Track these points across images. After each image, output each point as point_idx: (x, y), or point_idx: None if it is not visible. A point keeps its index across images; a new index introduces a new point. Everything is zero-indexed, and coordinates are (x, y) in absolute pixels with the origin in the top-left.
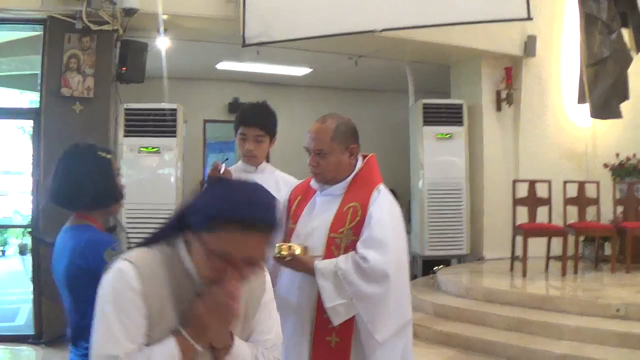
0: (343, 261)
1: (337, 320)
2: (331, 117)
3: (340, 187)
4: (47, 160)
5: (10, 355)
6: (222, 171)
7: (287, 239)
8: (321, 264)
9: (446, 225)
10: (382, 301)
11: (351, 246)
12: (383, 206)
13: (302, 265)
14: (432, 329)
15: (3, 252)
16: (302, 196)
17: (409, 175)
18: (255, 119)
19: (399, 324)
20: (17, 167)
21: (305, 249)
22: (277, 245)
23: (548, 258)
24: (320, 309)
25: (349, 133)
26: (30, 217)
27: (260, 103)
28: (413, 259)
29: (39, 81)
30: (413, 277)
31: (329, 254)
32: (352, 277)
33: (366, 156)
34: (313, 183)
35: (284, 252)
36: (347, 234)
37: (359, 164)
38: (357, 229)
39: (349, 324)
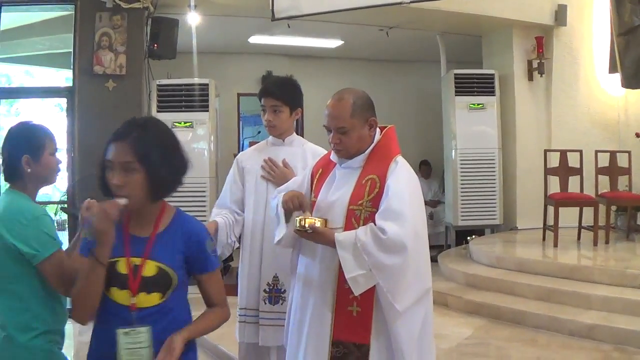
0: (362, 233)
1: (357, 290)
2: (347, 92)
3: (359, 160)
4: (82, 137)
5: None
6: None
7: (310, 212)
8: (341, 236)
9: (479, 195)
10: (400, 271)
11: (370, 218)
12: (400, 177)
13: (322, 237)
14: (463, 298)
15: None
16: (323, 169)
17: (442, 146)
18: (271, 90)
19: (418, 293)
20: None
21: (325, 222)
22: (297, 218)
23: (580, 228)
24: (341, 280)
25: (367, 106)
26: (66, 192)
27: (282, 76)
28: (446, 229)
29: (72, 60)
30: (447, 247)
31: (348, 226)
32: (370, 249)
33: (384, 128)
34: (333, 156)
35: (306, 225)
36: (366, 206)
37: (377, 136)
38: (376, 201)
39: (370, 294)
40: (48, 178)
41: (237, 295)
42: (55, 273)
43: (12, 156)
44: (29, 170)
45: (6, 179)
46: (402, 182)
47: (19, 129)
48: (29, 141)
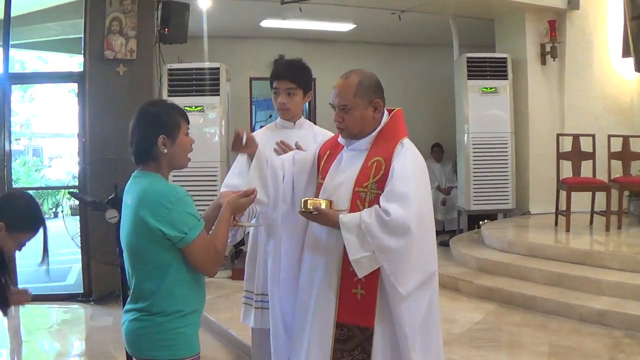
0: (367, 215)
1: (361, 273)
2: (355, 72)
3: (365, 142)
4: (93, 122)
5: (62, 312)
6: (244, 140)
7: (316, 194)
8: (346, 218)
9: (491, 179)
10: (404, 254)
11: (376, 200)
12: (406, 160)
13: (327, 219)
14: (475, 283)
15: (55, 213)
16: (330, 151)
17: (455, 130)
18: (285, 72)
19: (422, 277)
20: (69, 129)
21: (330, 203)
22: (302, 200)
23: (592, 213)
24: (346, 262)
25: (373, 88)
26: (77, 177)
27: (293, 59)
28: (458, 213)
29: (82, 45)
30: (459, 231)
31: (354, 208)
32: (374, 230)
33: (392, 111)
34: (340, 139)
35: (310, 207)
36: (371, 188)
37: (385, 119)
38: (381, 183)
39: (375, 277)
40: (183, 159)
41: (243, 279)
42: (201, 252)
43: (147, 136)
44: (165, 151)
45: (137, 161)
46: (408, 164)
47: (152, 107)
48: (165, 121)
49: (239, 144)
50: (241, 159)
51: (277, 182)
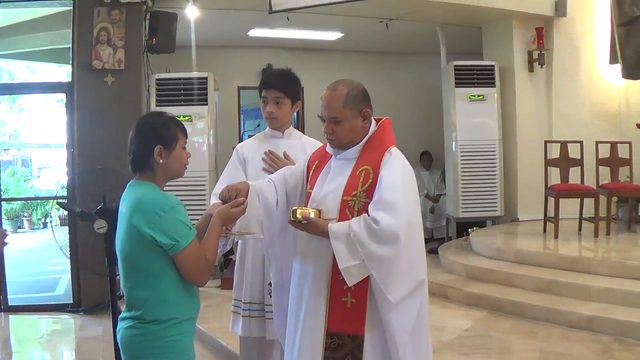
0: (356, 223)
1: (351, 281)
2: (342, 83)
3: (353, 151)
4: (81, 132)
5: (51, 323)
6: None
7: (305, 203)
8: (334, 227)
9: (480, 187)
10: (393, 262)
11: (364, 209)
12: (394, 168)
13: (316, 228)
14: (463, 290)
15: (44, 223)
16: (319, 161)
17: (443, 138)
18: (273, 81)
19: (411, 285)
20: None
21: (319, 213)
22: (291, 209)
23: (581, 219)
24: (335, 271)
25: (360, 97)
26: (66, 188)
27: (282, 68)
28: (447, 221)
29: (70, 55)
30: (448, 239)
31: (343, 216)
32: (363, 239)
33: (380, 120)
34: (329, 148)
35: (299, 216)
36: (359, 196)
37: (373, 128)
38: (370, 192)
39: (364, 286)
40: (179, 171)
41: (232, 288)
42: (192, 261)
43: (144, 146)
44: (160, 161)
45: (134, 170)
46: (396, 172)
47: (152, 119)
48: (162, 132)
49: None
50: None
51: (271, 213)
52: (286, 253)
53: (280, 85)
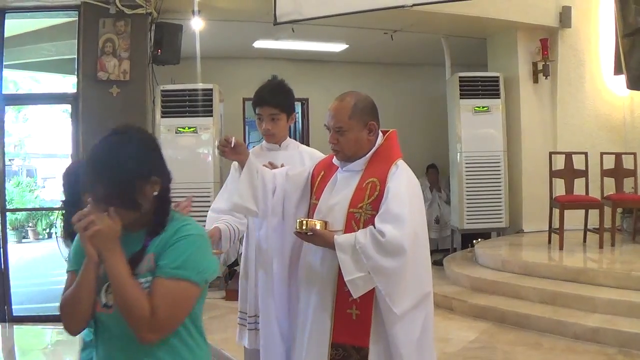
0: (362, 235)
1: (356, 293)
2: (350, 95)
3: (360, 163)
4: (86, 143)
5: (56, 333)
6: (232, 144)
7: (310, 214)
8: (340, 238)
9: (485, 198)
10: (399, 275)
11: (370, 221)
12: (400, 181)
13: (322, 239)
14: (468, 302)
15: (49, 234)
16: (325, 172)
17: (449, 149)
18: (267, 98)
19: (417, 297)
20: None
21: (325, 224)
22: (298, 220)
23: (586, 230)
24: (341, 283)
25: (367, 110)
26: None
27: (274, 81)
28: (452, 232)
29: (76, 66)
30: (453, 250)
31: (349, 228)
32: (369, 251)
33: (387, 132)
34: (335, 160)
35: (305, 228)
36: (366, 209)
37: (379, 140)
38: (376, 204)
39: (370, 297)
40: None
41: (237, 300)
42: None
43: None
44: None
45: None
46: (402, 185)
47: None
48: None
49: (229, 151)
50: (234, 173)
51: (267, 194)
52: (276, 235)
53: (275, 101)
